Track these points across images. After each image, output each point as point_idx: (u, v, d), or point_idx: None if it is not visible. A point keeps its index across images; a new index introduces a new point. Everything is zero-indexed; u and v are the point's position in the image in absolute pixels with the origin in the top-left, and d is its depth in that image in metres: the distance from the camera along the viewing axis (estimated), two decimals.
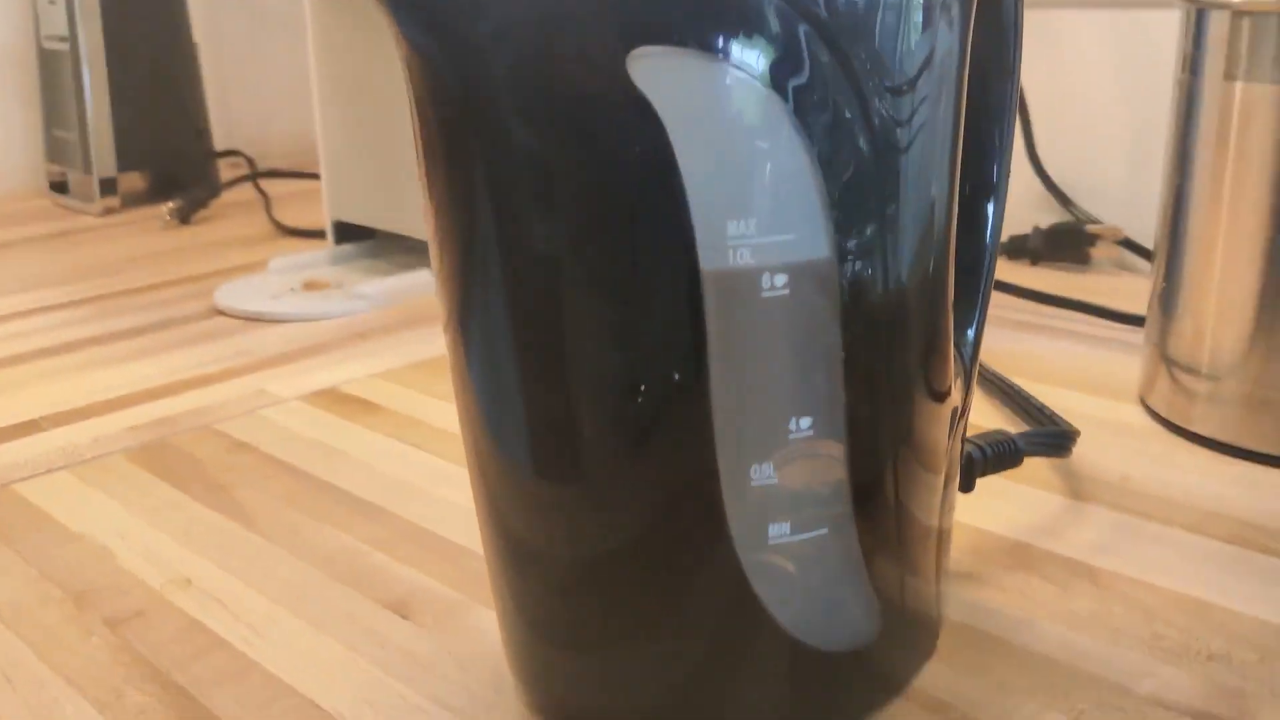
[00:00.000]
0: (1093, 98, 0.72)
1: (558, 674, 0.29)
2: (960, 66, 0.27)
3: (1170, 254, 0.48)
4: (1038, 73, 0.72)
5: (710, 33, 0.22)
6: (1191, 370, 0.47)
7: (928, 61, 0.25)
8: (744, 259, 0.24)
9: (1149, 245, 0.68)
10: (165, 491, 0.43)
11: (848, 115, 0.24)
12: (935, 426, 0.29)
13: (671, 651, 0.27)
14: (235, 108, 1.14)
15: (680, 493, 0.26)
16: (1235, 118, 0.44)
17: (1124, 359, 0.54)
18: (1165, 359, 0.48)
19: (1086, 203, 0.73)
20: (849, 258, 0.25)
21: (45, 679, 0.32)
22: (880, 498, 0.27)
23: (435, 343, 0.60)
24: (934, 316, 0.28)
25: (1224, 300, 0.45)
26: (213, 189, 0.95)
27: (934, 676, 0.31)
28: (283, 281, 0.69)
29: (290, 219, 0.87)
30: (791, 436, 0.25)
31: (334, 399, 0.52)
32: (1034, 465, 0.42)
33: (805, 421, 0.25)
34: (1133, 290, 0.64)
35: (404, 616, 0.35)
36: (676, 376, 0.25)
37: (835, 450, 0.26)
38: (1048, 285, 0.64)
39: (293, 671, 0.32)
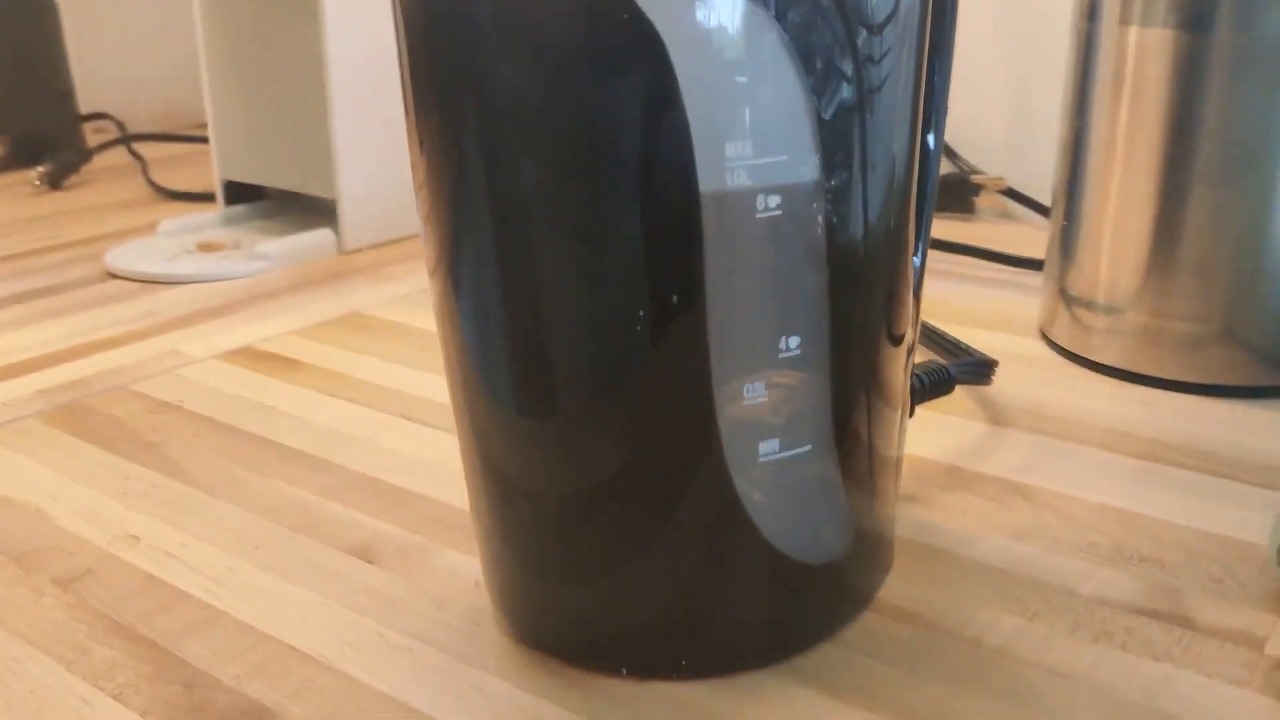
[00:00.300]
0: (973, 53, 0.75)
1: (547, 605, 0.30)
2: (924, 8, 0.28)
3: (1069, 195, 0.50)
4: None
5: None
6: (1090, 304, 0.49)
7: (898, 5, 0.26)
8: (740, 180, 0.24)
9: (1032, 194, 0.71)
10: (92, 452, 0.42)
11: (835, 49, 0.25)
12: (898, 352, 0.30)
13: (662, 573, 0.28)
14: (98, 70, 1.08)
15: (676, 416, 0.26)
16: (1130, 61, 0.46)
17: (1020, 298, 0.57)
18: (1065, 295, 0.51)
19: (970, 154, 0.76)
20: (833, 183, 0.26)
21: (2, 640, 0.31)
22: (855, 417, 0.29)
23: (346, 299, 0.59)
24: (900, 242, 0.29)
25: (1120, 237, 0.48)
26: (82, 153, 0.91)
27: (895, 589, 0.33)
28: (175, 244, 0.66)
29: (166, 182, 0.84)
30: (781, 355, 0.26)
31: (252, 357, 0.51)
32: (955, 396, 0.44)
33: (794, 340, 0.26)
34: (1018, 237, 0.67)
35: (369, 561, 0.34)
36: (675, 299, 0.25)
37: (820, 369, 0.27)
38: (938, 233, 0.66)
39: (264, 618, 0.32)
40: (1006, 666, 0.29)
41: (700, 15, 0.23)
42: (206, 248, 0.65)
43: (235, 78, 0.68)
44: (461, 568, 0.34)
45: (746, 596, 0.29)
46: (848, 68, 0.25)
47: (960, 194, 0.73)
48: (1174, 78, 0.45)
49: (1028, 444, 0.42)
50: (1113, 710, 0.28)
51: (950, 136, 0.76)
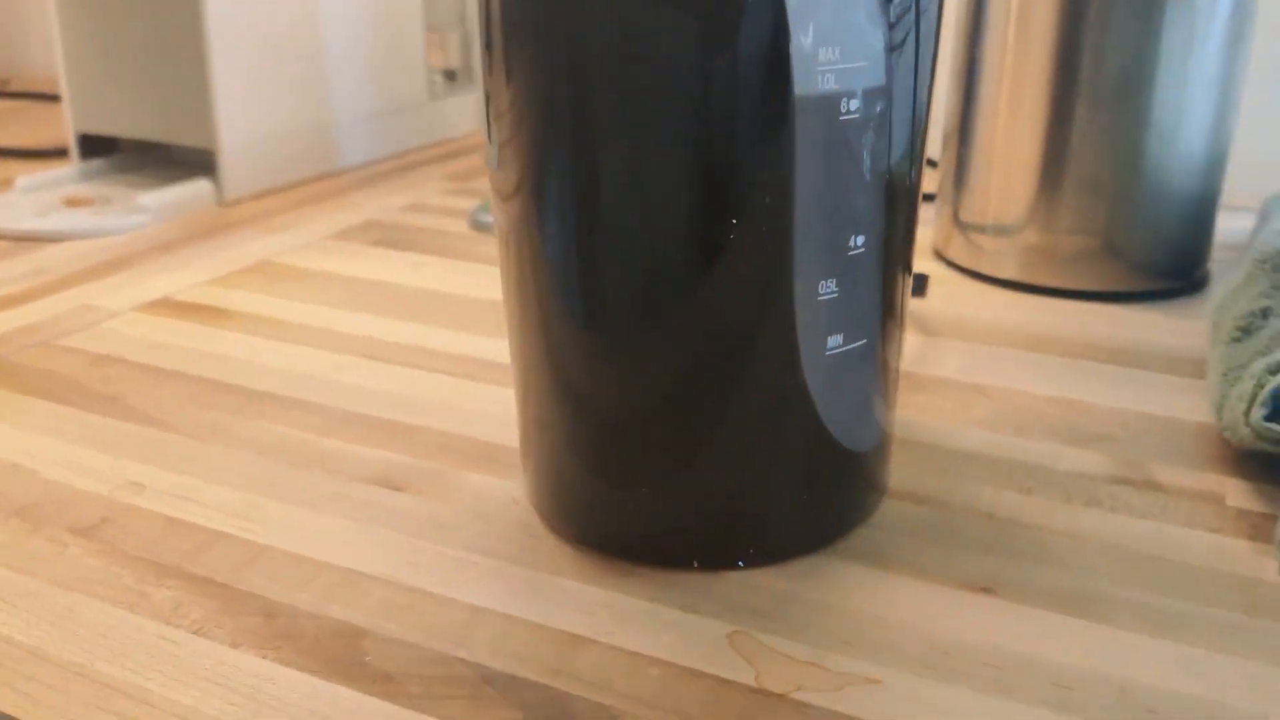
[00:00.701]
0: None
1: (619, 509, 0.31)
2: None
3: (961, 128, 0.54)
4: None
5: None
6: (984, 227, 0.54)
7: None
8: (829, 84, 0.26)
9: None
10: (47, 408, 0.39)
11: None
12: (912, 254, 0.33)
13: (734, 468, 0.30)
14: None
15: (760, 314, 0.28)
16: None
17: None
18: (958, 221, 0.55)
19: None
20: (894, 89, 0.28)
21: (42, 592, 0.29)
22: (893, 314, 0.31)
23: (246, 249, 0.57)
24: (922, 151, 0.31)
25: (1012, 162, 0.52)
26: None
27: (901, 479, 0.35)
28: (39, 200, 0.62)
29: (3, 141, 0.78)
30: (850, 254, 0.28)
31: (174, 308, 0.49)
32: None
33: (860, 239, 0.28)
34: None
35: (397, 489, 0.34)
36: (768, 200, 0.27)
37: (876, 267, 0.29)
38: None
39: (314, 548, 0.31)
40: (1023, 534, 0.33)
41: None
42: (74, 203, 0.61)
43: (90, 24, 0.64)
44: (491, 488, 0.34)
45: (805, 485, 0.31)
46: None
47: None
48: (1059, 6, 0.49)
49: (962, 350, 0.46)
50: (1125, 559, 0.31)
51: None
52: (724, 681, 0.26)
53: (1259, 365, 0.34)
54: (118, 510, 0.33)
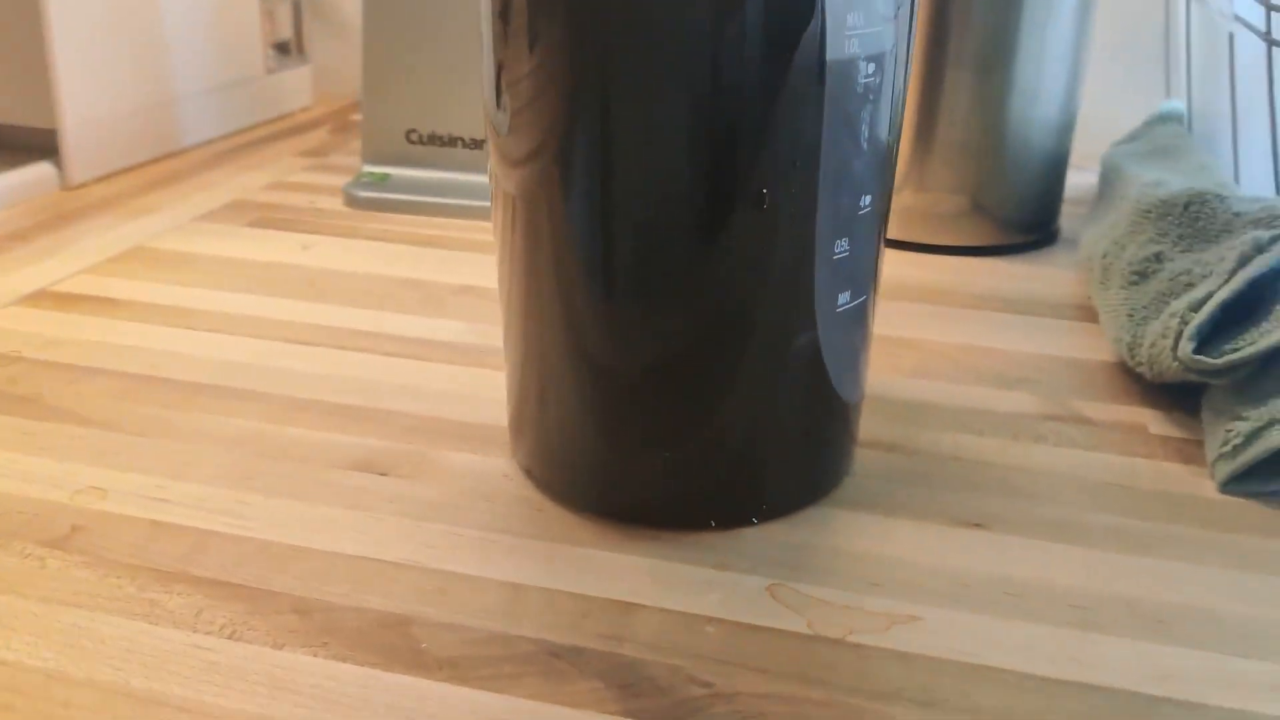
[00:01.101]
0: None
1: (637, 475, 0.31)
2: None
3: None
4: None
5: None
6: None
7: None
8: (853, 49, 0.27)
9: None
10: None
11: None
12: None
13: (749, 427, 0.30)
14: None
15: (782, 275, 0.29)
16: None
17: None
18: None
19: None
20: (897, 52, 0.29)
21: (37, 610, 0.27)
22: (881, 272, 0.32)
23: (112, 234, 0.53)
24: (902, 111, 0.33)
25: None
26: None
27: (866, 429, 0.37)
28: None
29: None
30: (859, 213, 0.29)
31: (57, 300, 0.45)
32: None
33: (867, 199, 0.29)
34: None
35: (382, 474, 0.33)
36: (797, 164, 0.27)
37: (877, 225, 0.30)
38: None
39: (319, 539, 0.30)
40: (990, 471, 0.35)
41: None
42: None
43: None
44: (477, 466, 0.34)
45: (810, 439, 0.32)
46: None
47: None
48: None
49: None
50: (1084, 489, 0.34)
51: None
52: (780, 632, 0.27)
53: (1180, 304, 0.37)
54: (87, 518, 0.31)
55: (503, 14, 0.28)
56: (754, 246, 0.28)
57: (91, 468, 0.33)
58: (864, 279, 0.31)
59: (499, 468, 0.34)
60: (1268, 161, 0.48)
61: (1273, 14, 0.42)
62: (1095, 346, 0.44)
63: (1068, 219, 0.59)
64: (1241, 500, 0.34)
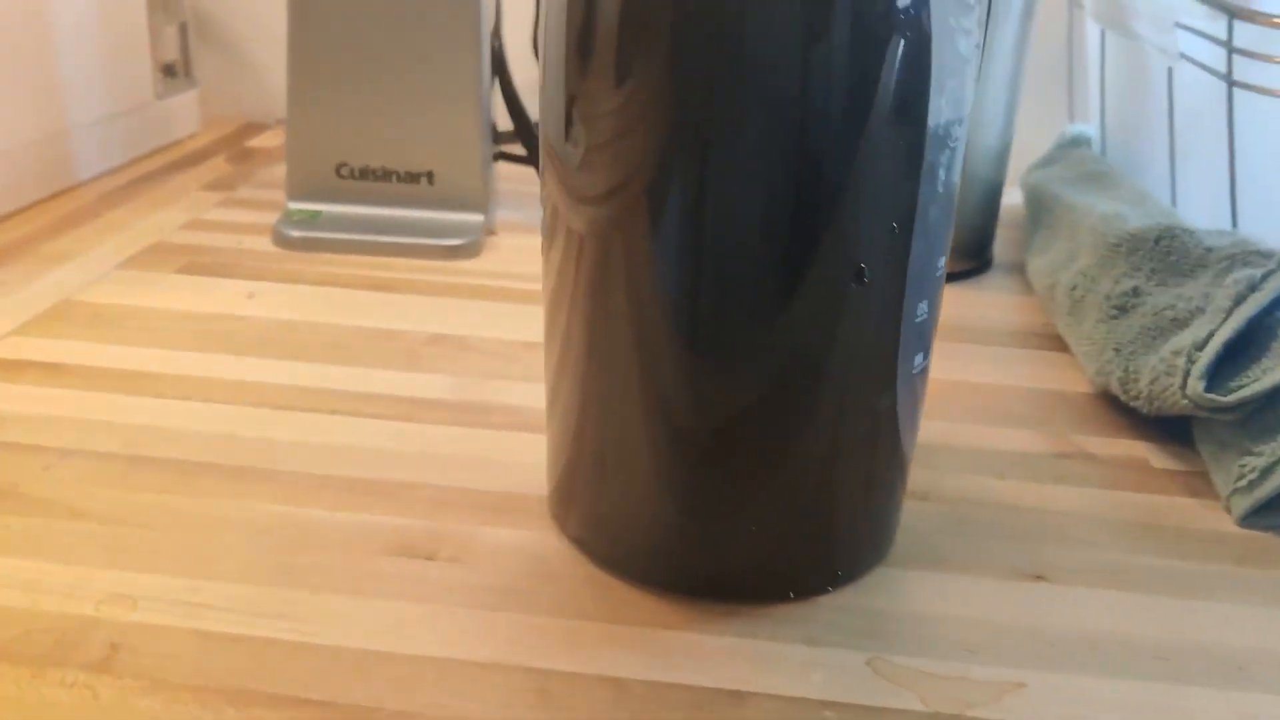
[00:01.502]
0: None
1: (715, 547, 0.30)
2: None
3: None
4: None
5: None
6: None
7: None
8: (947, 114, 0.27)
9: None
10: None
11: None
12: None
13: (829, 492, 0.30)
14: None
15: (870, 340, 0.28)
16: None
17: None
18: None
19: None
20: (969, 117, 0.29)
21: None
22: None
23: (29, 289, 0.48)
24: None
25: None
26: None
27: None
28: None
29: None
30: (936, 274, 0.29)
31: None
32: None
33: (942, 261, 0.29)
34: None
35: (428, 558, 0.31)
36: (895, 228, 0.27)
37: (941, 287, 0.30)
38: None
39: (387, 640, 0.28)
40: (1027, 518, 0.35)
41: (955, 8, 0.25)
42: None
43: None
44: (523, 542, 0.32)
45: (881, 500, 0.31)
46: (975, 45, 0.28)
47: None
48: None
49: None
50: (1119, 529, 0.35)
51: None
52: (899, 712, 0.27)
53: (1182, 341, 0.38)
54: (123, 633, 0.27)
55: (582, 46, 0.26)
56: (846, 312, 0.27)
57: (106, 570, 0.30)
58: (930, 340, 0.30)
59: (546, 542, 0.32)
60: (1208, 194, 0.50)
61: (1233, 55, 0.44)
62: (1071, 378, 0.45)
63: (1002, 243, 0.61)
64: (1262, 534, 0.35)
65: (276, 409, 0.39)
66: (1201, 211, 0.50)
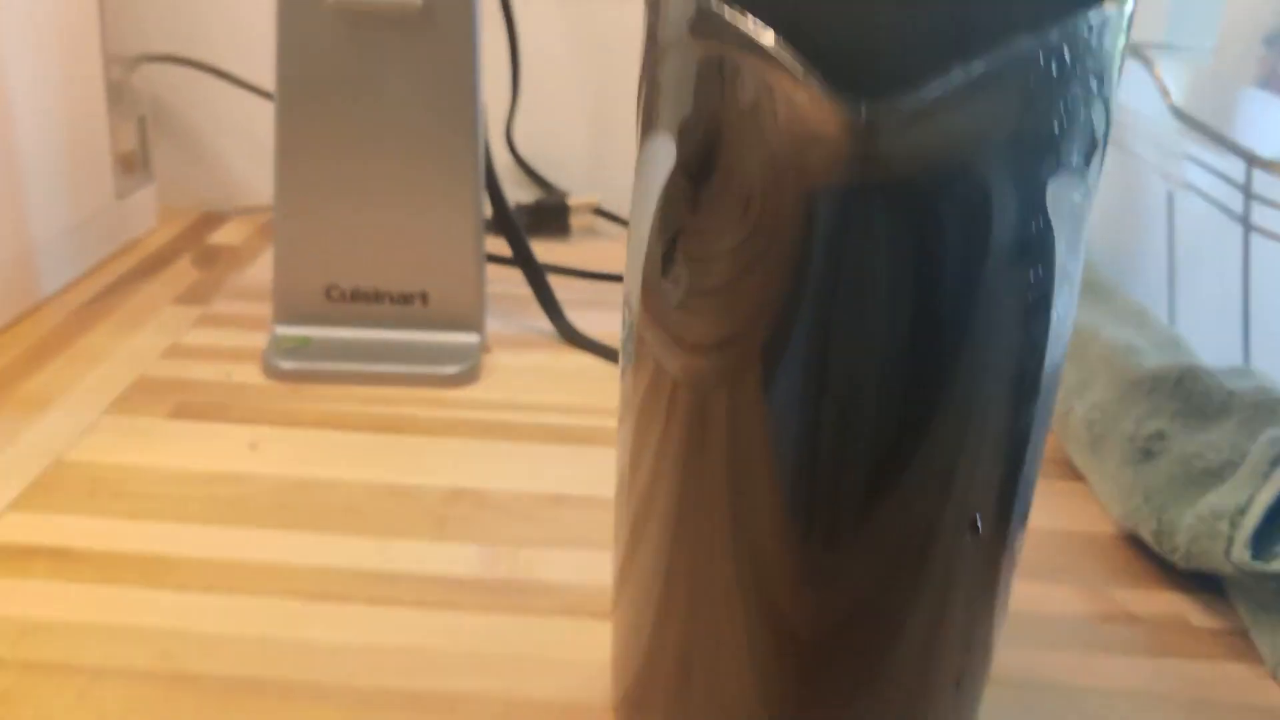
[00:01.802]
0: (549, 79, 0.77)
1: None
2: None
3: None
4: (500, 56, 0.74)
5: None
6: None
7: None
8: (1061, 345, 0.26)
9: (617, 211, 0.76)
10: None
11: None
12: None
13: (933, 691, 0.29)
14: None
15: (985, 554, 0.28)
16: None
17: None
18: None
19: (556, 177, 0.78)
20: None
21: None
22: None
23: (12, 447, 0.45)
24: None
25: None
26: None
27: None
28: None
29: None
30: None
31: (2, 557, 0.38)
32: None
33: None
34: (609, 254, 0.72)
35: None
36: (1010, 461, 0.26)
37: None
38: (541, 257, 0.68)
39: None
40: (1095, 700, 0.35)
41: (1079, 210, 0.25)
42: None
43: None
44: None
45: (976, 696, 0.31)
46: None
47: (556, 217, 0.75)
48: None
49: None
50: (1184, 708, 0.35)
51: (536, 158, 0.78)
52: None
53: (1223, 504, 0.39)
54: None
55: (697, 173, 0.24)
56: (951, 505, 0.26)
57: None
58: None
59: None
60: (1210, 320, 0.51)
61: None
62: (1091, 514, 0.45)
63: None
64: None
65: (309, 600, 0.37)
66: (1204, 339, 0.51)
